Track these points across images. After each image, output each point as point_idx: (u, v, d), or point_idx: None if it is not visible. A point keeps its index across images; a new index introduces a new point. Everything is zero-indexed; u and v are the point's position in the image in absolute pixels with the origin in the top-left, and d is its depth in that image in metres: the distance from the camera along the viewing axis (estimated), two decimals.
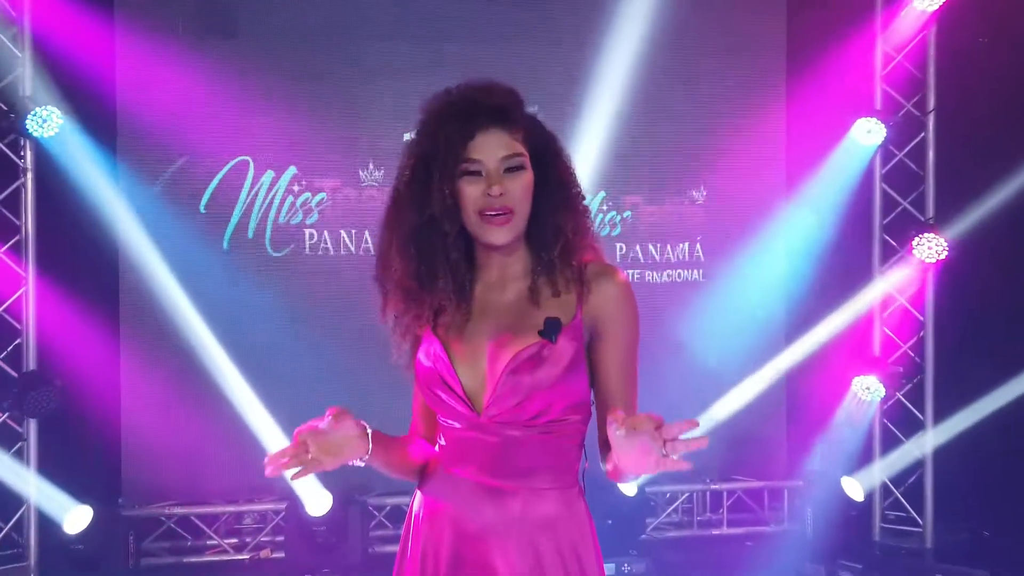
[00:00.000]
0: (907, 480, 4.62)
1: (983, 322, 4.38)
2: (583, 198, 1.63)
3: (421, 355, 1.62)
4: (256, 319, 4.33)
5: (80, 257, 4.21)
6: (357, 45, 4.46)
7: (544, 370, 1.50)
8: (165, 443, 4.32)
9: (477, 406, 1.55)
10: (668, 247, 4.75)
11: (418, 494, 1.68)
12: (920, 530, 4.58)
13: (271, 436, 4.23)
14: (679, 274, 4.76)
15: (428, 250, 1.55)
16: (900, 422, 4.61)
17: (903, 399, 4.58)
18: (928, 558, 4.51)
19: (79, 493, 3.99)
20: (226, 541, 4.48)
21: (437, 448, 1.67)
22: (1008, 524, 4.44)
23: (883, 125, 4.34)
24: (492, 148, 1.53)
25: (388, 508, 4.56)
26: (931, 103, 4.44)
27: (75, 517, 3.87)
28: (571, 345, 1.52)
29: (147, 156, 4.28)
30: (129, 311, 4.33)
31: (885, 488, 4.66)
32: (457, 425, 1.59)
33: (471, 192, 1.52)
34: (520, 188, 1.53)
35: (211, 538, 4.46)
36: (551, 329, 1.49)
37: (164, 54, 4.21)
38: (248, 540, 4.52)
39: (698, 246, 4.77)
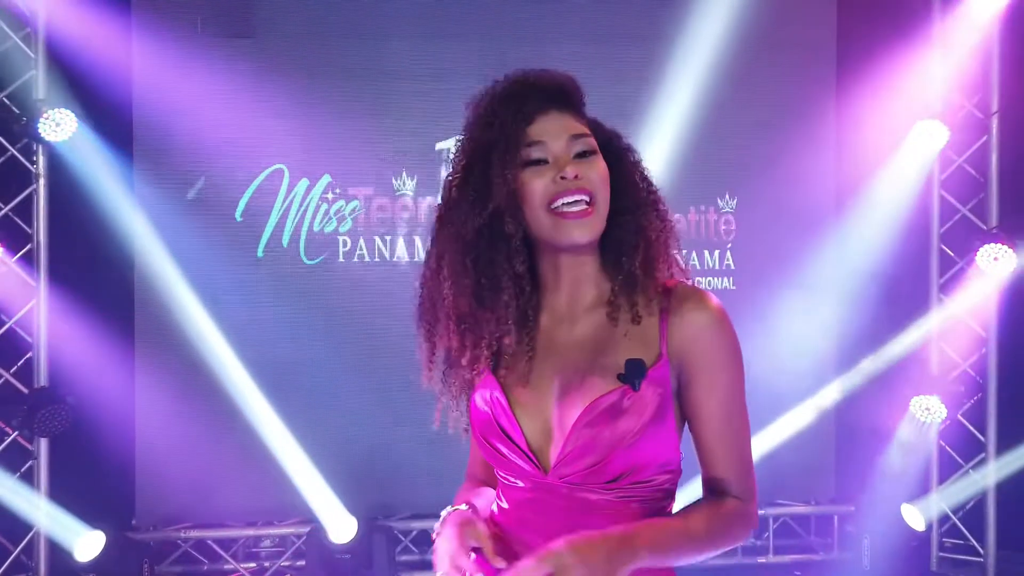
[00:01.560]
0: (966, 505, 4.33)
1: None
2: (663, 200, 1.37)
3: (477, 397, 1.36)
4: (283, 331, 4.13)
5: (95, 268, 4.01)
6: (381, 47, 4.26)
7: (626, 422, 1.24)
8: (181, 463, 4.11)
9: (544, 463, 1.29)
10: (705, 253, 4.47)
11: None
12: (981, 560, 4.29)
13: (292, 457, 4.02)
14: (718, 283, 4.47)
15: (488, 259, 1.28)
16: (960, 445, 4.32)
17: (963, 421, 4.29)
18: None
19: (91, 514, 3.80)
20: (244, 565, 4.26)
21: (496, 509, 1.40)
22: None
23: (945, 127, 4.07)
24: (557, 129, 1.29)
25: (415, 532, 4.32)
26: (995, 104, 4.15)
27: (87, 543, 3.67)
28: (656, 391, 1.26)
29: (168, 162, 4.08)
30: (144, 325, 4.13)
31: (943, 515, 4.36)
32: (520, 484, 1.33)
33: (537, 184, 1.27)
34: (596, 174, 1.27)
35: (228, 562, 4.25)
36: (634, 373, 1.23)
37: (184, 55, 4.01)
38: (267, 565, 4.31)
39: (729, 254, 4.48)
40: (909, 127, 4.15)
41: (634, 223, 1.31)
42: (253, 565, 4.31)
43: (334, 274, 4.25)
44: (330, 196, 4.24)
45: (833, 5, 4.49)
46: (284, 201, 4.21)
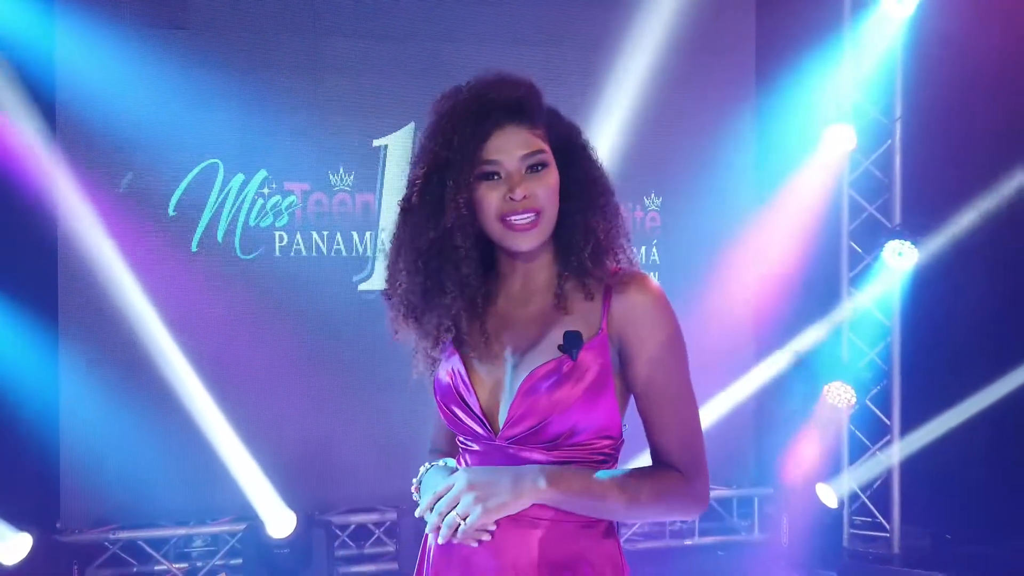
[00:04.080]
0: (874, 484, 4.64)
1: (951, 329, 4.43)
2: (614, 195, 1.48)
3: (440, 370, 1.48)
4: (218, 325, 4.09)
5: (14, 260, 3.87)
6: (319, 42, 4.26)
7: (564, 389, 1.35)
8: (108, 462, 4.00)
9: (495, 427, 1.41)
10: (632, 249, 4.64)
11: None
12: (887, 535, 4.60)
13: (229, 451, 3.97)
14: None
15: (438, 265, 1.40)
16: (867, 428, 4.63)
17: (871, 405, 4.60)
18: (895, 563, 4.53)
19: (14, 517, 3.65)
20: (176, 566, 4.18)
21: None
22: (969, 528, 4.51)
23: (853, 131, 4.36)
24: (511, 147, 1.38)
25: (352, 527, 4.33)
26: (899, 110, 4.48)
27: (12, 546, 3.54)
28: (595, 361, 1.37)
29: (95, 154, 3.98)
30: (69, 319, 4.01)
31: (853, 494, 4.66)
32: (475, 447, 1.45)
33: (491, 198, 1.37)
34: (545, 188, 1.38)
35: (159, 563, 4.16)
36: (571, 343, 1.36)
37: (111, 44, 3.92)
38: (200, 564, 4.24)
39: (654, 250, 4.69)
40: (822, 130, 4.42)
41: (583, 221, 1.42)
42: (185, 565, 4.23)
43: (270, 269, 4.23)
44: (266, 191, 4.22)
45: (751, 14, 4.75)
46: (219, 195, 4.16)
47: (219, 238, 4.19)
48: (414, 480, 1.50)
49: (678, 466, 1.41)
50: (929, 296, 4.42)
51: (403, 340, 1.53)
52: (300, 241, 4.27)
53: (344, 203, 4.31)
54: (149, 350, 3.98)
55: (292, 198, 4.26)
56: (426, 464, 1.52)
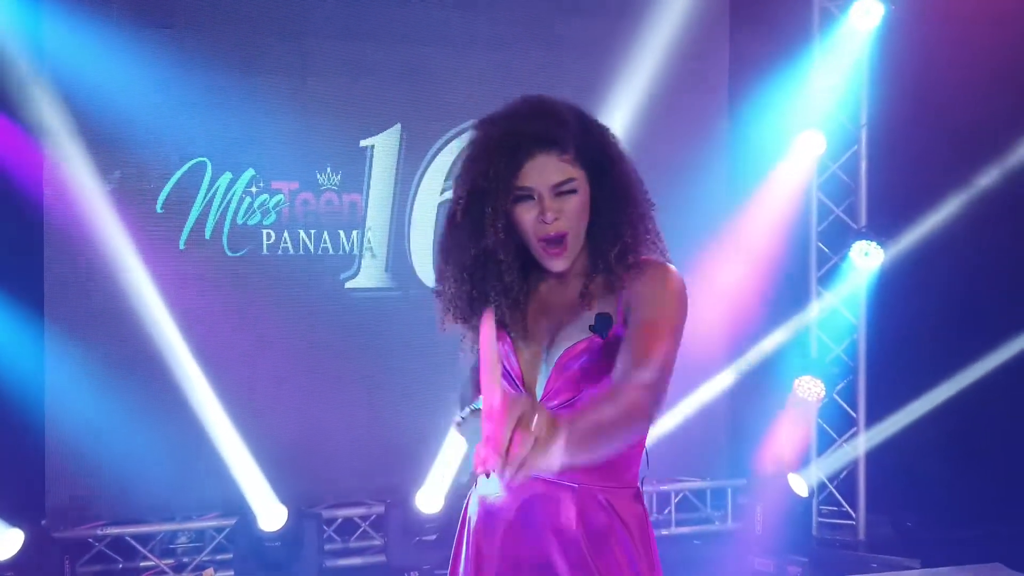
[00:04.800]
0: (840, 475, 4.84)
1: (913, 327, 4.66)
2: (644, 202, 1.62)
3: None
4: (205, 322, 4.12)
5: (1, 254, 3.87)
6: (304, 43, 4.33)
7: (594, 365, 1.51)
8: (94, 458, 4.01)
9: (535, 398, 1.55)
10: None
11: (473, 496, 1.65)
12: (853, 523, 4.81)
13: (217, 446, 4.01)
14: None
15: (482, 276, 1.57)
16: (835, 421, 4.84)
17: (838, 399, 4.81)
18: (861, 549, 4.74)
19: (2, 513, 3.66)
20: (163, 562, 4.20)
21: None
22: (929, 515, 4.75)
23: (822, 137, 4.56)
24: (542, 175, 1.53)
25: (339, 521, 4.40)
26: (864, 117, 4.69)
27: (4, 541, 3.54)
28: (617, 340, 1.51)
29: (83, 150, 3.98)
30: (56, 314, 4.01)
31: (821, 484, 4.86)
32: None
33: (527, 218, 1.54)
34: (573, 209, 1.54)
35: (147, 559, 4.18)
36: (602, 325, 1.52)
37: (98, 42, 3.94)
38: (185, 560, 4.25)
39: None
40: (793, 136, 4.62)
41: (612, 227, 1.58)
42: (171, 561, 4.25)
43: (258, 266, 4.29)
44: (254, 189, 4.27)
45: (726, 26, 4.92)
46: (207, 193, 4.20)
47: (207, 235, 4.22)
48: (456, 419, 1.55)
49: (628, 365, 1.41)
50: (893, 295, 4.63)
51: (449, 331, 1.67)
52: (287, 239, 4.33)
53: (331, 202, 4.38)
54: (136, 346, 4.01)
55: (279, 197, 4.31)
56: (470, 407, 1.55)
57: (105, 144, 4.01)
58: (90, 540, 4.11)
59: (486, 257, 1.55)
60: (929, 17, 4.38)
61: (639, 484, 1.60)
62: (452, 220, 1.59)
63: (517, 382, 1.57)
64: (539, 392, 1.54)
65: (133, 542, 4.16)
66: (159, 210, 4.15)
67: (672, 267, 1.60)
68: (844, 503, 4.84)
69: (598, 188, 1.57)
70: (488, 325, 1.16)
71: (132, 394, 4.02)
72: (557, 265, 1.56)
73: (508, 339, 1.59)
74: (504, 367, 1.57)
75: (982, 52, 4.29)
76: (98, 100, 3.97)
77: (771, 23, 4.80)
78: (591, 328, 1.52)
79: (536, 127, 1.53)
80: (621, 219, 1.58)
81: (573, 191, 1.53)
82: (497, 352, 1.17)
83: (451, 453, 4.13)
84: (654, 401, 1.37)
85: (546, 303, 1.61)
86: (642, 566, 1.54)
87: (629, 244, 1.57)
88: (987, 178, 4.48)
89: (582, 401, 1.50)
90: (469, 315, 1.60)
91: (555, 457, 1.16)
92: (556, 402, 1.52)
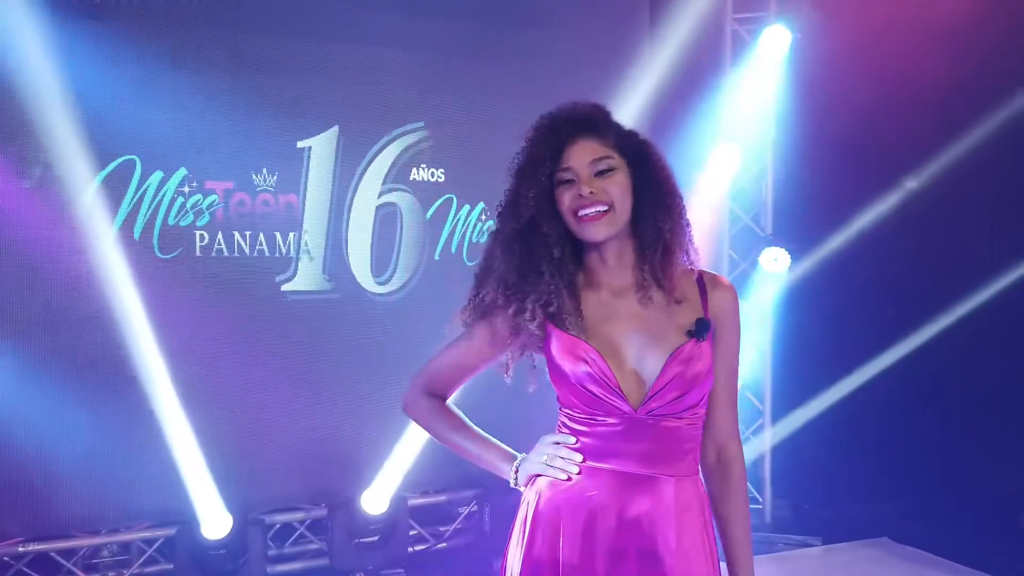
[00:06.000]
0: (748, 464, 5.22)
1: (815, 329, 5.09)
2: (682, 201, 1.75)
3: (563, 352, 1.67)
4: (135, 325, 3.95)
5: None
6: (241, 38, 4.22)
7: (697, 366, 1.65)
8: (12, 471, 3.79)
9: (633, 402, 1.65)
10: None
11: (538, 494, 1.72)
12: (760, 507, 5.21)
13: (157, 454, 3.88)
14: None
15: (530, 248, 1.67)
16: (744, 415, 5.21)
17: (748, 395, 5.18)
18: (767, 530, 5.14)
19: None
20: None
21: (577, 442, 1.70)
22: (822, 497, 5.22)
23: (737, 150, 4.91)
24: (581, 155, 1.66)
25: (278, 526, 4.34)
26: (772, 132, 5.08)
27: None
28: (710, 344, 1.69)
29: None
30: None
31: None
32: (611, 420, 1.66)
33: (565, 198, 1.66)
34: (614, 186, 1.65)
35: (74, 575, 3.97)
36: (702, 329, 1.67)
37: (23, 33, 3.71)
38: (111, 574, 4.07)
39: None
40: (710, 148, 4.94)
41: (653, 222, 1.70)
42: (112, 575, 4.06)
43: (191, 268, 4.15)
44: (186, 189, 4.13)
45: (644, 48, 5.17)
46: (136, 193, 4.04)
47: (136, 236, 4.06)
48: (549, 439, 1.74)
49: (730, 427, 1.77)
50: (797, 299, 5.05)
51: (455, 327, 1.78)
52: (222, 241, 4.22)
53: (267, 203, 4.31)
54: (58, 350, 3.81)
55: (213, 197, 4.20)
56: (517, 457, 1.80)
57: (26, 139, 3.78)
58: (8, 559, 3.87)
59: (532, 230, 1.66)
60: (836, 41, 4.78)
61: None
62: (502, 208, 1.71)
63: (616, 389, 1.63)
64: (638, 393, 1.63)
65: (57, 557, 3.95)
66: (85, 208, 3.95)
67: (728, 281, 1.79)
68: (752, 489, 5.22)
69: (638, 178, 1.68)
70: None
71: (56, 400, 3.81)
72: (596, 231, 1.63)
73: (595, 349, 1.64)
74: (600, 373, 1.63)
75: (889, 70, 4.68)
76: (19, 92, 3.74)
77: (687, 49, 5.08)
78: (689, 333, 1.64)
79: (577, 113, 1.70)
80: (660, 214, 1.68)
81: (611, 169, 1.65)
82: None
83: (399, 454, 4.17)
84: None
85: (616, 311, 1.68)
86: (710, 530, 1.72)
87: (670, 242, 1.68)
88: (889, 191, 4.96)
89: (686, 400, 1.63)
90: (519, 287, 1.66)
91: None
92: (662, 402, 1.63)
